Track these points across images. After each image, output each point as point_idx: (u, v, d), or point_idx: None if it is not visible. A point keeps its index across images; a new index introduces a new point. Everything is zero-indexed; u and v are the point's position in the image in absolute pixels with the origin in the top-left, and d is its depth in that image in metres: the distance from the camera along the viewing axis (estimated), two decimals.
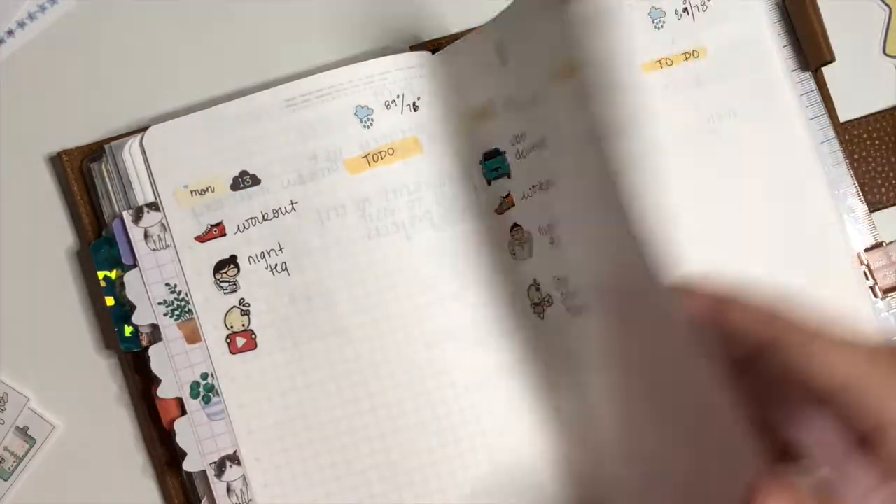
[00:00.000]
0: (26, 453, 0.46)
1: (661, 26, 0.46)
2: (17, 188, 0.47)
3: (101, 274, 0.45)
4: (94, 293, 0.47)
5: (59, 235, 0.47)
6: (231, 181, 0.44)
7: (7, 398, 0.46)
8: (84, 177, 0.46)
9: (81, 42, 0.48)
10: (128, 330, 0.44)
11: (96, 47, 0.48)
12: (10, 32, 0.48)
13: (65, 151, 0.46)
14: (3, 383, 0.46)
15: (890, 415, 0.28)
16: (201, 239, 0.44)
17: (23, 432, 0.46)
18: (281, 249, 0.44)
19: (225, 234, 0.44)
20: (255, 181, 0.44)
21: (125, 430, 0.46)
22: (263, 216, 0.44)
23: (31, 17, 0.48)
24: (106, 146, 0.45)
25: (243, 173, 0.44)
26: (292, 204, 0.44)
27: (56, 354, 0.46)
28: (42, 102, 0.48)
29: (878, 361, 0.29)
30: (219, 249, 0.44)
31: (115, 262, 0.45)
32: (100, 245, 0.45)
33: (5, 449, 0.46)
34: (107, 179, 0.45)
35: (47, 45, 0.48)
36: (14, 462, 0.46)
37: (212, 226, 0.44)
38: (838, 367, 0.29)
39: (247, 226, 0.44)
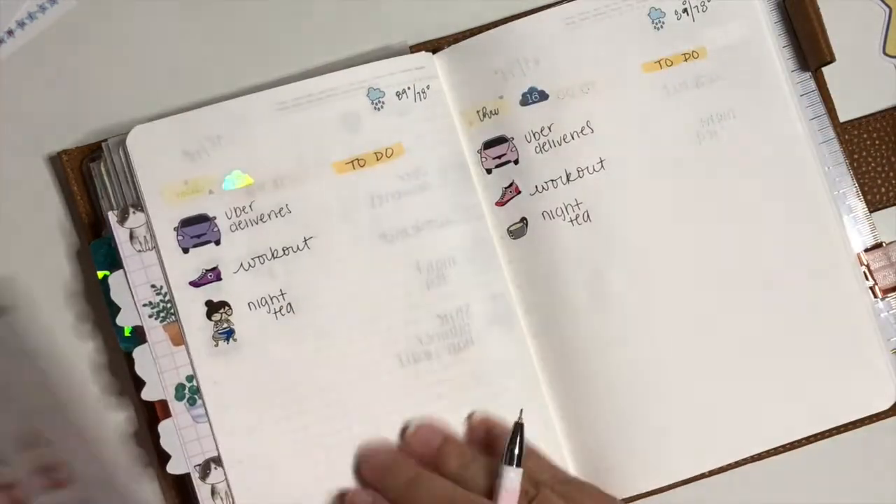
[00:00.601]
0: None
1: (661, 27, 0.46)
2: (17, 188, 0.47)
3: (101, 274, 0.45)
4: (94, 293, 0.47)
5: (59, 235, 0.47)
6: (223, 180, 0.44)
7: None
8: (84, 177, 0.46)
9: (81, 42, 0.48)
10: (127, 330, 0.44)
11: (96, 47, 0.48)
12: (10, 32, 0.48)
13: (65, 151, 0.46)
14: None
15: None
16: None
17: None
18: (273, 256, 0.44)
19: (211, 242, 0.44)
20: (248, 182, 0.44)
21: (124, 430, 0.46)
22: (257, 220, 0.44)
23: (31, 17, 0.48)
24: (104, 143, 0.45)
25: (235, 173, 0.44)
26: (283, 207, 0.44)
27: (56, 354, 0.46)
28: (42, 102, 0.48)
29: None
30: (205, 254, 0.44)
31: (114, 262, 0.44)
32: (100, 245, 0.45)
33: None
34: (105, 179, 0.45)
35: (47, 45, 0.48)
36: None
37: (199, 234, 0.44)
38: None
39: (235, 229, 0.44)
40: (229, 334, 0.44)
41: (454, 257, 0.45)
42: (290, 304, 0.44)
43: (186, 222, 0.44)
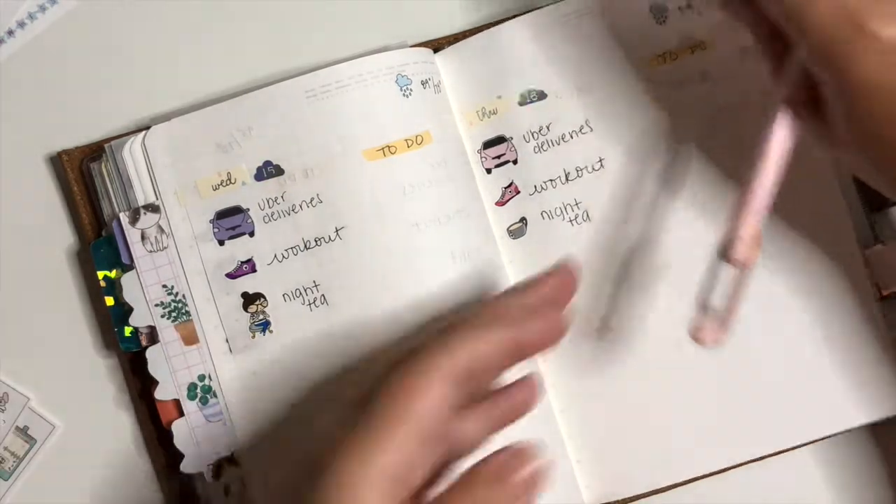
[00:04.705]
0: (26, 453, 0.46)
1: (664, 22, 0.46)
2: (17, 188, 0.47)
3: (101, 274, 0.45)
4: (94, 293, 0.47)
5: (59, 235, 0.47)
6: (255, 171, 0.44)
7: (7, 398, 0.46)
8: (84, 177, 0.46)
9: (81, 42, 0.48)
10: (127, 330, 0.44)
11: (96, 47, 0.48)
12: (10, 32, 0.48)
13: (65, 151, 0.46)
14: (3, 383, 0.46)
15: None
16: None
17: (23, 432, 0.46)
18: (306, 247, 0.44)
19: (245, 233, 0.44)
20: (279, 171, 0.44)
21: (125, 430, 0.46)
22: (289, 210, 0.44)
23: (31, 17, 0.48)
24: (106, 146, 0.45)
25: (267, 163, 0.44)
26: (314, 197, 0.44)
27: (56, 354, 0.46)
28: (42, 102, 0.48)
29: None
30: (240, 246, 0.44)
31: (115, 262, 0.45)
32: (100, 245, 0.45)
33: (5, 449, 0.46)
34: (106, 179, 0.45)
35: (47, 45, 0.48)
36: (14, 462, 0.46)
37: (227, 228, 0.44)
38: None
39: (268, 220, 0.44)
40: (265, 326, 0.44)
41: (481, 248, 0.45)
42: (323, 295, 0.44)
43: (221, 214, 0.44)
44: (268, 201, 0.44)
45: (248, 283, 0.44)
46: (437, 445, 0.33)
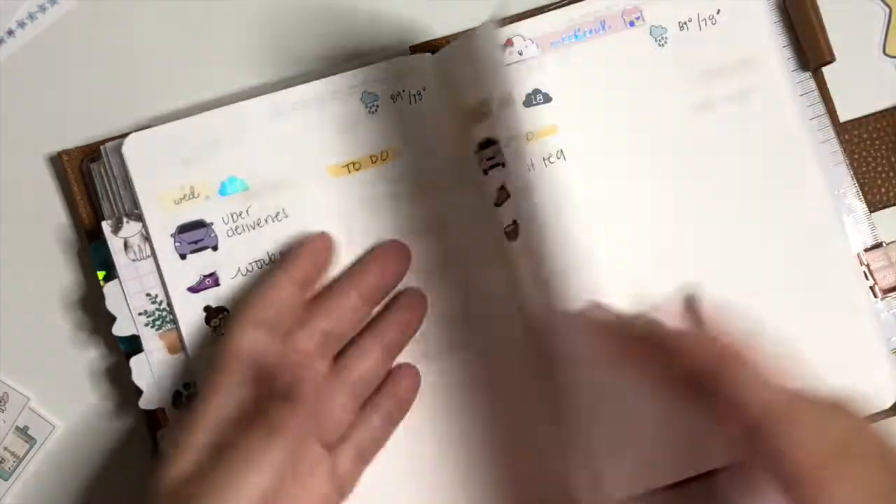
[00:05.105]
0: (26, 453, 0.46)
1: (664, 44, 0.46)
2: (17, 188, 0.47)
3: (100, 274, 0.45)
4: (94, 293, 0.47)
5: (59, 235, 0.47)
6: (220, 186, 0.44)
7: (7, 398, 0.46)
8: (84, 177, 0.46)
9: (81, 42, 0.48)
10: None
11: (96, 47, 0.48)
12: (10, 32, 0.48)
13: (65, 151, 0.46)
14: (3, 383, 0.46)
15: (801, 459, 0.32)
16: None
17: (23, 432, 0.46)
18: (271, 260, 0.44)
19: (209, 247, 0.44)
20: (244, 186, 0.44)
21: (125, 430, 0.46)
22: (254, 224, 0.44)
23: (31, 17, 0.48)
24: (101, 147, 0.45)
25: (232, 179, 0.44)
26: (279, 212, 0.44)
27: (56, 354, 0.46)
28: (42, 102, 0.48)
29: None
30: (203, 260, 0.44)
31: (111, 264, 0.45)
32: (100, 245, 0.45)
33: (5, 449, 0.46)
34: (105, 180, 0.45)
35: (47, 45, 0.48)
36: (14, 462, 0.46)
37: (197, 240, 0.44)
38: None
39: (232, 234, 0.44)
40: None
41: (453, 259, 0.45)
42: None
43: (183, 228, 0.44)
44: (232, 215, 0.44)
45: (211, 297, 0.44)
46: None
